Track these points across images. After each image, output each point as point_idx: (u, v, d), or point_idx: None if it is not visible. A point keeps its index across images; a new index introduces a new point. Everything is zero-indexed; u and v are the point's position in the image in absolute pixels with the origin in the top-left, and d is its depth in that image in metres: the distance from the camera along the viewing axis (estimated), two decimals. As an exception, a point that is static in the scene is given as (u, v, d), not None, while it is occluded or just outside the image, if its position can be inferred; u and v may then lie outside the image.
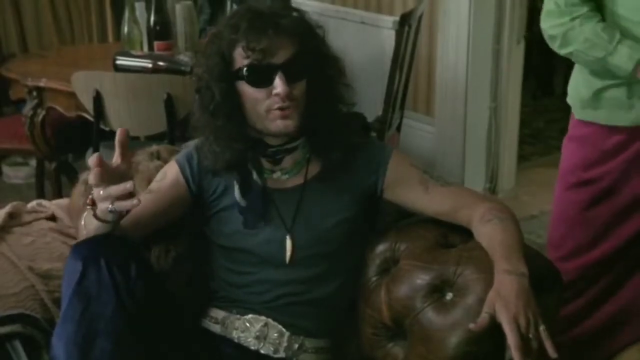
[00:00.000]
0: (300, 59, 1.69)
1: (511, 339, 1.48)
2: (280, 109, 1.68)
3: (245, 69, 1.69)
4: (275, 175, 1.80)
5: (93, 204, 1.56)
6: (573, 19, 1.99)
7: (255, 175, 1.78)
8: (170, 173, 1.82)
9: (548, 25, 2.05)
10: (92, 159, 1.51)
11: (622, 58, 1.94)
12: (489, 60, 3.84)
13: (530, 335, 1.50)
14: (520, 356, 1.47)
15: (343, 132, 1.79)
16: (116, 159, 1.57)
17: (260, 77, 1.68)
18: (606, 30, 1.95)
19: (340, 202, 1.80)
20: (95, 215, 1.57)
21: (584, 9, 1.99)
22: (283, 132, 1.72)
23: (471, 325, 1.55)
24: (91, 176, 1.52)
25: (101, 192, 1.51)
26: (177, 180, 1.81)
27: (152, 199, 1.78)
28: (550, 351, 1.50)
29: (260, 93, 1.69)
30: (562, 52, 2.03)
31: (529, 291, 1.56)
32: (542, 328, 1.52)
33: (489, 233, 1.70)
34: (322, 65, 1.75)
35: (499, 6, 3.76)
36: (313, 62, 1.72)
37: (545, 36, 2.08)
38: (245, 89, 1.70)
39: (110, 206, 1.52)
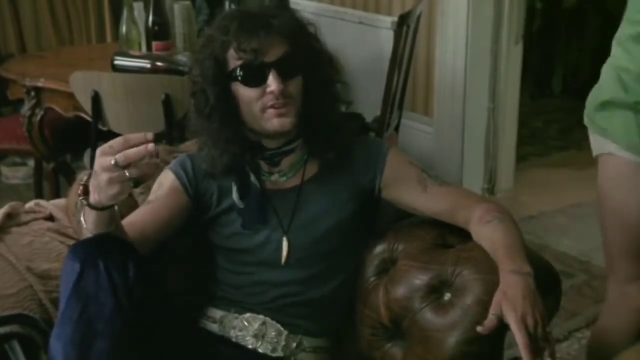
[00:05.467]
0: (293, 56, 1.70)
1: (520, 339, 1.49)
2: (275, 106, 1.69)
3: (238, 69, 1.69)
4: (273, 178, 1.80)
5: (85, 192, 1.52)
6: None
7: (253, 178, 1.78)
8: (165, 181, 1.82)
9: None
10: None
11: None
12: (487, 61, 3.84)
13: (538, 335, 1.51)
14: (530, 355, 1.47)
15: (340, 131, 1.80)
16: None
17: (254, 76, 1.69)
18: None
19: (338, 202, 1.80)
20: (89, 205, 1.52)
21: None
22: (279, 130, 1.72)
23: (479, 328, 1.55)
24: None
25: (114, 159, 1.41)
26: (174, 187, 1.80)
27: (153, 209, 1.77)
28: (553, 351, 1.51)
29: (255, 92, 1.69)
30: None
31: (535, 291, 1.56)
32: (547, 329, 1.53)
33: (489, 234, 1.69)
34: (317, 63, 1.76)
35: (497, 6, 3.77)
36: (307, 59, 1.73)
37: None
38: (240, 89, 1.71)
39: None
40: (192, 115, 1.77)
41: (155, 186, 1.84)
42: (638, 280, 2.01)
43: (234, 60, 1.70)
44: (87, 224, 1.58)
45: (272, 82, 1.68)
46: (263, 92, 1.69)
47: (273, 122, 1.70)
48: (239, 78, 1.70)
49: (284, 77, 1.69)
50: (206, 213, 1.81)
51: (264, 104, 1.70)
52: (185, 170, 1.81)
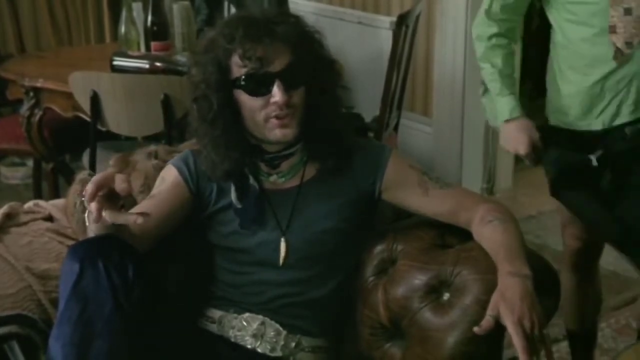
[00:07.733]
0: (298, 66, 1.69)
1: (517, 341, 1.49)
2: (279, 117, 1.68)
3: (242, 77, 1.68)
4: (272, 178, 1.80)
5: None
6: (490, 37, 2.21)
7: (252, 180, 1.78)
8: (168, 176, 1.82)
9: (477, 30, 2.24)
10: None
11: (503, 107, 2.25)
12: (486, 61, 3.83)
13: (535, 337, 1.51)
14: (527, 357, 1.48)
15: (341, 137, 1.79)
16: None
17: (258, 85, 1.68)
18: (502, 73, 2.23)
19: (337, 204, 1.79)
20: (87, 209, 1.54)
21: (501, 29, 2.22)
22: (281, 140, 1.72)
23: (475, 329, 1.55)
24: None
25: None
26: (177, 182, 1.81)
27: (155, 204, 1.77)
28: (550, 353, 1.52)
29: (258, 101, 1.69)
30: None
31: (533, 293, 1.56)
32: (545, 331, 1.53)
33: (490, 235, 1.70)
34: (320, 71, 1.75)
35: (496, 6, 3.76)
36: (311, 68, 1.72)
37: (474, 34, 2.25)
38: (243, 97, 1.70)
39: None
40: (193, 120, 1.76)
41: (157, 181, 1.85)
42: (572, 223, 2.34)
43: (237, 67, 1.69)
44: (90, 224, 1.58)
45: (277, 94, 1.67)
46: (267, 102, 1.68)
47: (276, 132, 1.70)
48: (243, 87, 1.69)
49: (288, 88, 1.68)
50: (205, 210, 1.81)
51: (268, 114, 1.69)
52: (187, 165, 1.81)
